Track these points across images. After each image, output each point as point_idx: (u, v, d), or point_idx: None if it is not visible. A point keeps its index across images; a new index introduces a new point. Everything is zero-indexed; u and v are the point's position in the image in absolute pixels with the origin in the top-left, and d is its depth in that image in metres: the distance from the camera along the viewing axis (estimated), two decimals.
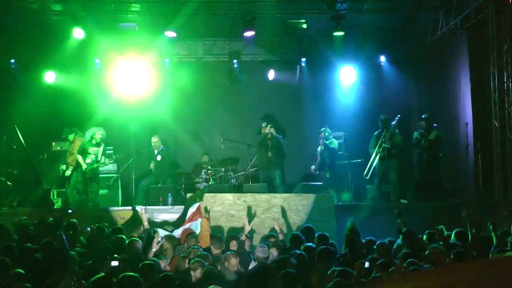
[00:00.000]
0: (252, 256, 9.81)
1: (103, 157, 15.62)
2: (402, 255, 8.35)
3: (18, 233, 10.88)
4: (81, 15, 16.54)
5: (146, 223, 10.94)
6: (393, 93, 19.45)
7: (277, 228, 11.41)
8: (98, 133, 15.54)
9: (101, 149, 15.58)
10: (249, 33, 17.13)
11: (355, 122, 18.82)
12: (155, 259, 8.83)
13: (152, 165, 16.88)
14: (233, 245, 10.28)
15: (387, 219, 13.44)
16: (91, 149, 15.48)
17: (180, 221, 13.12)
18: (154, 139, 17.02)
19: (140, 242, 9.69)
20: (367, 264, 7.47)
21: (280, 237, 11.08)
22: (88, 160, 15.44)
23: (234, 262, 8.89)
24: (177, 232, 11.48)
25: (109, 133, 17.23)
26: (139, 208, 11.15)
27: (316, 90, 19.48)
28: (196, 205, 12.31)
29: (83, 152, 15.45)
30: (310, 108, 19.60)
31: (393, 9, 17.48)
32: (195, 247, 9.65)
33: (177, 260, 9.33)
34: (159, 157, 16.88)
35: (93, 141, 15.51)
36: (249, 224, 10.99)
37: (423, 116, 16.84)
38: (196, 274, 8.25)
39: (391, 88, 19.46)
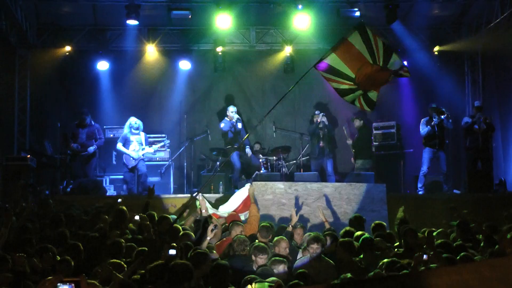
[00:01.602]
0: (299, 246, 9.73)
1: (147, 146, 15.82)
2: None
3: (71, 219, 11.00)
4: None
5: (205, 210, 10.81)
6: (446, 83, 19.22)
7: (322, 217, 11.38)
8: (133, 121, 15.89)
9: (142, 136, 15.78)
10: (302, 21, 17.10)
11: (407, 112, 18.69)
12: (207, 250, 8.45)
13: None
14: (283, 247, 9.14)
15: (439, 209, 13.37)
16: (132, 137, 15.72)
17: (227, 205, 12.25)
18: (232, 109, 16.64)
19: (193, 235, 9.65)
20: (425, 257, 7.39)
21: (327, 225, 11.00)
22: (132, 147, 15.65)
23: (284, 245, 8.81)
24: (223, 213, 11.34)
25: (162, 120, 17.49)
26: (199, 195, 11.02)
27: None
28: (246, 189, 11.71)
29: (126, 142, 15.68)
30: None
31: None
32: (241, 236, 9.18)
33: (225, 247, 9.22)
34: (239, 125, 16.67)
35: (132, 130, 15.83)
36: (296, 215, 10.79)
37: (476, 104, 16.63)
38: (259, 261, 8.19)
39: (444, 78, 19.23)
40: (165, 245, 8.02)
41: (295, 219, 10.64)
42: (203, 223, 10.25)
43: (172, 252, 7.49)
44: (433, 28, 18.85)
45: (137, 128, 15.88)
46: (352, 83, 11.10)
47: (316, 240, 8.66)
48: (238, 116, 16.59)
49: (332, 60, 11.15)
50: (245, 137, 15.79)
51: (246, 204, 11.39)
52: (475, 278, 3.58)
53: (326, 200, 13.45)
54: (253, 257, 8.30)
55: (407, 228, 9.43)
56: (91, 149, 16.18)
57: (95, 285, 6.20)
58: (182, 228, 9.81)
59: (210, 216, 10.51)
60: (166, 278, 6.69)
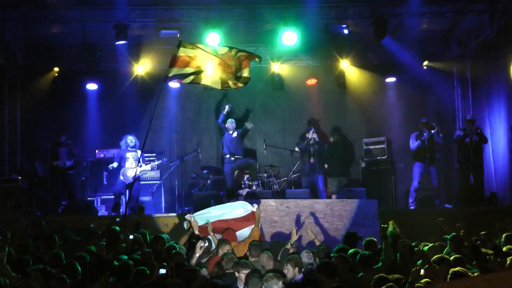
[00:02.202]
0: None
1: (143, 164, 15.82)
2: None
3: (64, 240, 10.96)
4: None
5: (196, 231, 10.69)
6: (436, 97, 19.33)
7: (311, 235, 11.24)
8: (130, 139, 15.96)
9: (138, 153, 15.75)
10: (289, 39, 17.16)
11: (397, 127, 18.77)
12: (197, 267, 8.52)
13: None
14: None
15: (431, 224, 13.39)
16: (128, 154, 15.71)
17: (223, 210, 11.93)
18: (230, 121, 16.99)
19: (183, 253, 9.61)
20: (422, 272, 7.40)
21: (317, 242, 10.88)
22: (128, 164, 15.64)
23: (265, 259, 8.85)
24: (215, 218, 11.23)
25: (151, 140, 17.48)
26: (188, 216, 10.96)
27: (359, 95, 19.37)
28: (252, 208, 11.39)
29: (122, 159, 15.66)
30: (353, 114, 19.53)
31: (437, 13, 17.29)
32: (229, 254, 9.14)
33: (214, 266, 9.12)
34: (235, 134, 16.84)
35: (128, 148, 15.85)
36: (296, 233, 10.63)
37: (467, 117, 16.71)
38: (242, 276, 8.17)
39: (434, 92, 19.34)
40: (156, 264, 8.03)
41: (295, 237, 10.50)
42: (191, 239, 10.27)
43: (162, 271, 7.51)
44: (422, 43, 18.95)
45: (134, 146, 15.90)
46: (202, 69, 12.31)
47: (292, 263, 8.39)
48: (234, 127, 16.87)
49: (175, 71, 12.16)
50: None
51: (247, 220, 11.19)
52: None
53: (316, 216, 13.45)
54: (236, 274, 8.32)
55: (404, 243, 9.42)
56: (69, 163, 16.53)
57: None
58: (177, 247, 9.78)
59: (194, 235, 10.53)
60: None
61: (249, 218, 11.25)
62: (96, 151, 17.67)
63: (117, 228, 10.84)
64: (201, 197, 16.06)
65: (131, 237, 10.41)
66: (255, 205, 11.48)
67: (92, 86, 18.32)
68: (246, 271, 8.22)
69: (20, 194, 15.29)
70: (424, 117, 16.88)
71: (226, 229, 10.81)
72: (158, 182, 17.32)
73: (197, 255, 9.29)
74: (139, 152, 15.71)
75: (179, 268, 8.15)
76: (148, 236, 11.04)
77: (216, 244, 10.01)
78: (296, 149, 16.98)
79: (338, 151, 18.08)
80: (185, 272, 7.82)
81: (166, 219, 14.42)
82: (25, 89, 18.15)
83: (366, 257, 9.01)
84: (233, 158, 16.52)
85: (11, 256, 8.61)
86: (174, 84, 18.13)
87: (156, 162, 16.28)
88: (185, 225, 11.03)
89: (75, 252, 9.57)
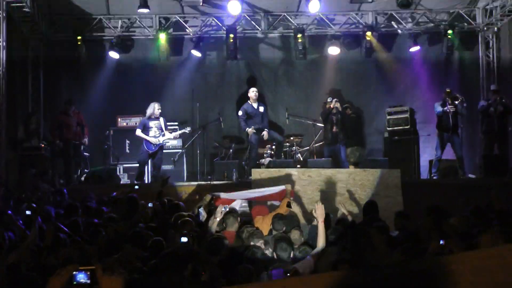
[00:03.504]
0: None
1: (167, 132, 15.75)
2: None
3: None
4: None
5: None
6: (460, 67, 19.14)
7: (344, 211, 10.65)
8: (156, 107, 15.75)
9: (161, 121, 15.70)
10: (314, 7, 17.06)
11: (421, 96, 18.62)
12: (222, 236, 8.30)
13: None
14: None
15: (454, 195, 13.32)
16: (152, 123, 15.65)
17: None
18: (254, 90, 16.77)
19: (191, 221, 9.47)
20: (442, 242, 7.31)
21: (349, 218, 10.32)
22: (152, 133, 15.60)
23: (295, 235, 8.53)
24: (244, 205, 11.11)
25: (173, 108, 17.49)
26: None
27: (381, 65, 19.23)
28: (280, 188, 11.05)
29: (144, 127, 15.61)
30: (375, 83, 19.41)
31: None
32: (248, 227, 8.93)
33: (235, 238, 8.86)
34: (261, 108, 16.73)
35: (152, 116, 15.71)
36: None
37: (492, 88, 16.53)
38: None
39: (458, 62, 19.13)
40: (174, 233, 7.97)
41: (322, 216, 8.86)
42: (209, 204, 10.16)
43: (184, 239, 7.40)
44: (446, 11, 18.71)
45: (158, 115, 15.81)
46: None
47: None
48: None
49: None
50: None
51: (279, 195, 10.90)
52: (498, 264, 3.55)
53: (340, 186, 13.43)
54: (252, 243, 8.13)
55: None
56: (86, 140, 16.95)
57: (111, 273, 6.18)
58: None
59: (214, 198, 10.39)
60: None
61: (281, 194, 10.92)
62: (119, 119, 17.69)
63: (135, 196, 10.85)
64: (223, 166, 16.08)
65: (150, 205, 10.40)
66: (287, 185, 11.20)
67: (114, 55, 18.29)
68: (260, 241, 8.11)
69: (44, 162, 15.42)
70: (448, 86, 16.69)
71: (255, 203, 10.59)
72: (180, 150, 17.33)
73: (218, 219, 9.17)
74: (161, 120, 15.68)
75: (202, 237, 8.09)
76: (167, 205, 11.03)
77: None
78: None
79: (356, 123, 18.02)
80: (212, 242, 7.69)
81: (188, 188, 14.44)
82: (48, 58, 18.20)
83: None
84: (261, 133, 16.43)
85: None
86: (196, 53, 18.12)
87: (179, 132, 16.19)
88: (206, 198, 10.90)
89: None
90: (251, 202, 11.56)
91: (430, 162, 16.57)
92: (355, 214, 11.57)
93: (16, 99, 16.94)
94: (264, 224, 9.74)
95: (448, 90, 16.14)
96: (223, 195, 10.81)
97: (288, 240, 8.09)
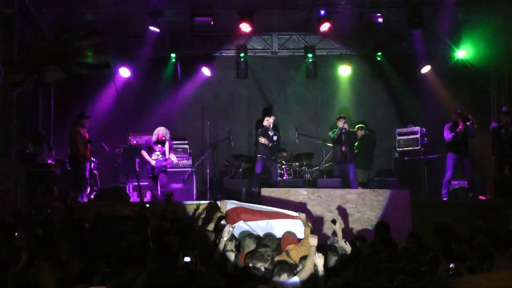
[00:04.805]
0: None
1: (172, 154, 15.73)
2: None
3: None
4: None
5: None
6: (470, 87, 19.10)
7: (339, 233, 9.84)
8: (161, 134, 15.68)
9: (166, 145, 15.68)
10: (324, 26, 17.12)
11: (431, 117, 18.55)
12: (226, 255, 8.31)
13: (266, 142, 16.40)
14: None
15: (465, 215, 13.24)
16: (155, 146, 15.63)
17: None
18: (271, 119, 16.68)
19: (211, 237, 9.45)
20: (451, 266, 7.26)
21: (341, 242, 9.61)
22: (154, 157, 15.58)
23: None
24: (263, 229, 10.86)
25: (183, 128, 17.49)
26: (219, 202, 10.79)
27: (392, 85, 19.22)
28: (292, 213, 10.58)
29: (149, 149, 15.61)
30: (386, 103, 19.40)
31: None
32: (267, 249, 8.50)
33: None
34: (275, 137, 16.51)
35: (156, 139, 15.70)
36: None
37: (503, 109, 16.47)
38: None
39: (468, 82, 19.10)
40: (180, 252, 7.95)
41: (340, 235, 9.43)
42: (218, 222, 10.07)
43: (187, 259, 7.43)
44: (456, 32, 18.70)
45: (163, 138, 15.76)
46: None
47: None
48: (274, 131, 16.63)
49: None
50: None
51: (290, 217, 10.43)
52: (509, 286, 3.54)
53: (349, 206, 13.38)
54: (250, 265, 7.91)
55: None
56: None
57: None
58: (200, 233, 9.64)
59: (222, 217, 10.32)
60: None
61: (292, 217, 10.44)
62: (130, 137, 17.70)
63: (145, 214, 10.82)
64: (233, 185, 16.06)
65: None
66: (299, 213, 10.66)
67: (125, 73, 18.34)
68: (262, 265, 7.88)
69: (53, 179, 15.41)
70: (459, 107, 16.63)
71: (286, 232, 10.25)
72: (190, 169, 17.33)
73: (225, 239, 8.88)
74: (166, 144, 15.66)
75: (206, 256, 8.03)
76: (175, 223, 10.98)
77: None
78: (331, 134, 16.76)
79: (366, 145, 17.98)
80: (218, 261, 7.66)
81: (197, 207, 14.39)
82: None
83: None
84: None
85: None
86: (206, 72, 18.15)
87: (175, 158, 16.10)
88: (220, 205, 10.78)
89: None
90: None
91: (440, 183, 16.49)
92: (364, 235, 11.47)
93: (27, 115, 16.97)
94: (299, 252, 8.93)
95: (459, 111, 16.08)
96: (237, 206, 10.69)
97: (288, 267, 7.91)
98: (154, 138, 15.67)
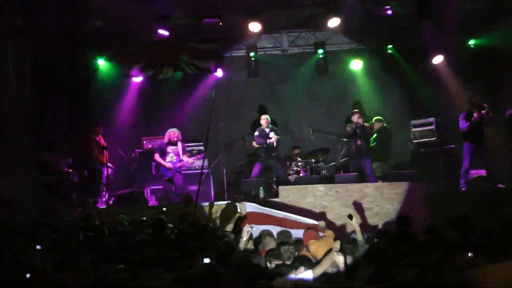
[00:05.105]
0: None
1: (185, 156, 15.77)
2: None
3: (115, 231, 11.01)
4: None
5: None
6: (484, 76, 18.96)
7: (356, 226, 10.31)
8: (172, 134, 15.77)
9: (179, 146, 15.72)
10: (333, 22, 17.07)
11: (446, 107, 18.44)
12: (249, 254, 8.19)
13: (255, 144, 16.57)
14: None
15: (482, 205, 13.16)
16: (168, 148, 15.67)
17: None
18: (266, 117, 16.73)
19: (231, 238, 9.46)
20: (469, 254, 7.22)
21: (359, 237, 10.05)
22: (169, 159, 15.62)
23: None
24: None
25: (197, 129, 17.49)
26: (238, 204, 10.85)
27: (405, 77, 19.17)
28: (312, 222, 10.85)
29: (162, 152, 15.65)
30: (399, 96, 19.35)
31: None
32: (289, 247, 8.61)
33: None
34: (271, 133, 16.58)
35: (168, 140, 15.73)
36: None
37: None
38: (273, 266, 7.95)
39: (482, 72, 18.96)
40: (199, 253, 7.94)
41: (359, 230, 10.00)
42: (237, 223, 10.10)
43: (206, 260, 7.42)
44: (467, 22, 18.57)
45: (176, 140, 15.80)
46: None
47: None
48: (271, 126, 16.64)
49: None
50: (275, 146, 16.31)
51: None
52: None
53: (367, 200, 13.37)
54: (268, 264, 8.03)
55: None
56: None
57: None
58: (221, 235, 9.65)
59: (241, 217, 10.34)
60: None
61: (312, 225, 10.58)
62: (144, 141, 17.74)
63: (163, 217, 10.83)
64: (251, 184, 16.03)
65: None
66: (320, 222, 10.83)
67: (136, 77, 18.39)
68: (278, 262, 7.97)
69: (70, 187, 15.43)
70: (473, 96, 16.53)
71: (308, 228, 10.31)
72: (206, 170, 17.33)
73: (244, 239, 9.10)
74: (179, 145, 15.70)
75: (226, 257, 8.03)
76: (194, 225, 11.00)
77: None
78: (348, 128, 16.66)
79: (383, 138, 17.92)
80: (238, 261, 7.66)
81: (215, 208, 14.40)
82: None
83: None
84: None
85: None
86: (218, 72, 18.16)
87: (192, 161, 16.14)
88: (238, 207, 10.85)
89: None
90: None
91: (458, 173, 16.39)
92: (384, 228, 11.46)
93: (41, 124, 17.01)
94: (320, 247, 9.39)
95: (473, 100, 15.98)
96: (256, 211, 10.74)
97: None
98: (165, 139, 15.74)
